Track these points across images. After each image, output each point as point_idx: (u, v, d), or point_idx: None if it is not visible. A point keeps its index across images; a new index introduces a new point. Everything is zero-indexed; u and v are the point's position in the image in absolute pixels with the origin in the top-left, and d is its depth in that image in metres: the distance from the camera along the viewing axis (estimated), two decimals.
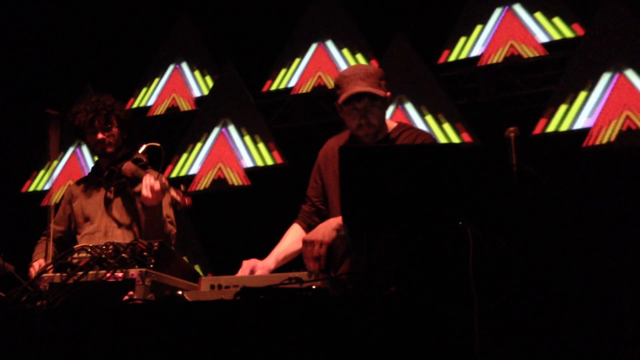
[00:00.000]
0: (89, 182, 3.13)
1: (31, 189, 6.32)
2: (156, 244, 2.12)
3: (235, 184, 5.62)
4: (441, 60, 5.29)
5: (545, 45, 5.02)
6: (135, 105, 6.24)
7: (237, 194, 5.61)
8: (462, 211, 1.78)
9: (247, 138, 5.74)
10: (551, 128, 4.76)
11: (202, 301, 1.89)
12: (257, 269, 2.37)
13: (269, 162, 5.59)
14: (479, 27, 5.25)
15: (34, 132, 6.29)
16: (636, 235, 4.03)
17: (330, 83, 5.46)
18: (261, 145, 5.67)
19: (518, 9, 5.18)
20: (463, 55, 5.24)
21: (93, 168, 3.19)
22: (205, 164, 5.80)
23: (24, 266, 2.93)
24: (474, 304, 1.74)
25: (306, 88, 5.65)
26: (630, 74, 4.66)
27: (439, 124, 5.10)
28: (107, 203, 3.02)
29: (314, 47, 5.76)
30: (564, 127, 4.74)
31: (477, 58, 5.17)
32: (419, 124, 5.11)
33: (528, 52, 5.02)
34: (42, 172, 6.34)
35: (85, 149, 6.22)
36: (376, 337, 1.60)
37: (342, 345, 1.61)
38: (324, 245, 2.22)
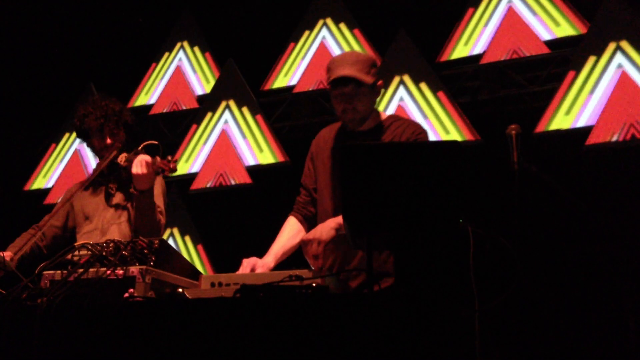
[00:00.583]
0: (91, 182, 3.14)
1: (33, 187, 6.34)
2: (157, 241, 2.13)
3: (237, 182, 5.62)
4: (443, 58, 5.28)
5: (547, 43, 5.01)
6: (136, 104, 6.25)
7: (239, 193, 5.61)
8: (463, 209, 1.77)
9: (249, 136, 5.74)
10: (553, 126, 4.75)
11: (202, 299, 1.89)
12: (257, 267, 2.37)
13: (271, 160, 5.59)
14: (481, 25, 5.24)
15: (35, 131, 6.30)
16: (637, 234, 4.02)
17: None
18: (263, 144, 5.66)
19: (520, 6, 5.17)
20: (465, 53, 5.23)
21: (95, 169, 3.20)
22: (207, 162, 5.80)
23: (24, 264, 2.93)
24: (474, 303, 1.74)
25: (308, 86, 5.65)
26: (632, 71, 4.65)
27: (440, 122, 5.10)
28: (108, 197, 3.04)
29: (316, 45, 5.76)
30: (566, 125, 4.72)
31: (479, 56, 5.16)
32: (420, 121, 5.10)
33: (530, 50, 5.01)
34: (43, 171, 6.35)
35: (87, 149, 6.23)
36: (377, 335, 1.60)
37: (342, 343, 1.61)
38: (322, 244, 2.25)
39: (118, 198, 3.03)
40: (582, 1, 4.98)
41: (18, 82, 6.38)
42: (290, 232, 2.63)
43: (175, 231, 5.82)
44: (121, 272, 2.01)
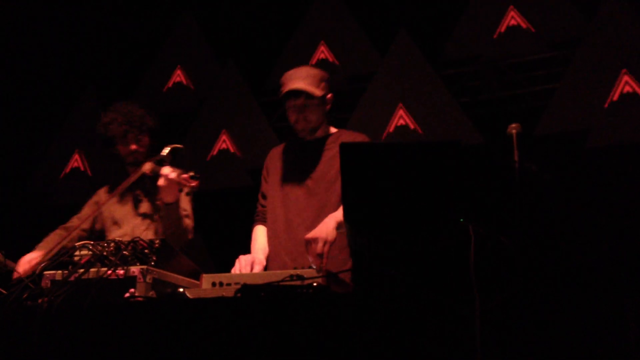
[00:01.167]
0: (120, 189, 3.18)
1: (34, 186, 6.33)
2: (157, 241, 2.13)
3: (238, 182, 5.63)
4: (444, 57, 5.28)
5: (547, 43, 5.01)
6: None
7: (239, 193, 5.61)
8: (463, 208, 1.78)
9: (249, 136, 5.74)
10: (554, 126, 4.75)
11: (203, 298, 1.90)
12: (255, 263, 2.46)
13: None
14: (482, 25, 5.24)
15: (35, 130, 6.29)
16: (637, 234, 4.02)
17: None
18: (263, 144, 5.66)
19: (521, 6, 5.17)
20: (465, 53, 5.23)
21: (122, 175, 3.21)
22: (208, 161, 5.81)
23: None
24: (475, 302, 1.74)
25: None
26: (632, 71, 4.65)
27: (442, 121, 5.10)
28: (137, 205, 3.10)
29: (316, 45, 5.76)
30: (566, 126, 4.72)
31: (480, 56, 5.16)
32: (420, 121, 5.10)
33: (530, 50, 5.02)
34: (44, 169, 6.35)
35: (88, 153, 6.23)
36: (377, 334, 1.60)
37: (343, 343, 1.61)
38: (328, 244, 2.28)
39: (145, 207, 3.09)
40: (582, 1, 4.98)
41: (18, 82, 6.38)
42: (264, 238, 2.81)
43: None
44: (122, 272, 2.01)
